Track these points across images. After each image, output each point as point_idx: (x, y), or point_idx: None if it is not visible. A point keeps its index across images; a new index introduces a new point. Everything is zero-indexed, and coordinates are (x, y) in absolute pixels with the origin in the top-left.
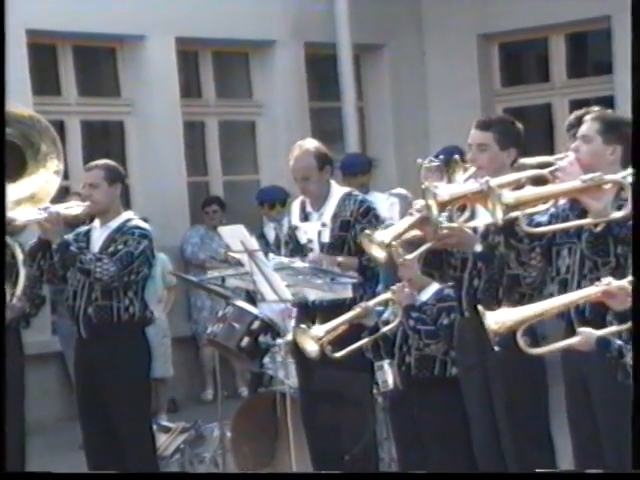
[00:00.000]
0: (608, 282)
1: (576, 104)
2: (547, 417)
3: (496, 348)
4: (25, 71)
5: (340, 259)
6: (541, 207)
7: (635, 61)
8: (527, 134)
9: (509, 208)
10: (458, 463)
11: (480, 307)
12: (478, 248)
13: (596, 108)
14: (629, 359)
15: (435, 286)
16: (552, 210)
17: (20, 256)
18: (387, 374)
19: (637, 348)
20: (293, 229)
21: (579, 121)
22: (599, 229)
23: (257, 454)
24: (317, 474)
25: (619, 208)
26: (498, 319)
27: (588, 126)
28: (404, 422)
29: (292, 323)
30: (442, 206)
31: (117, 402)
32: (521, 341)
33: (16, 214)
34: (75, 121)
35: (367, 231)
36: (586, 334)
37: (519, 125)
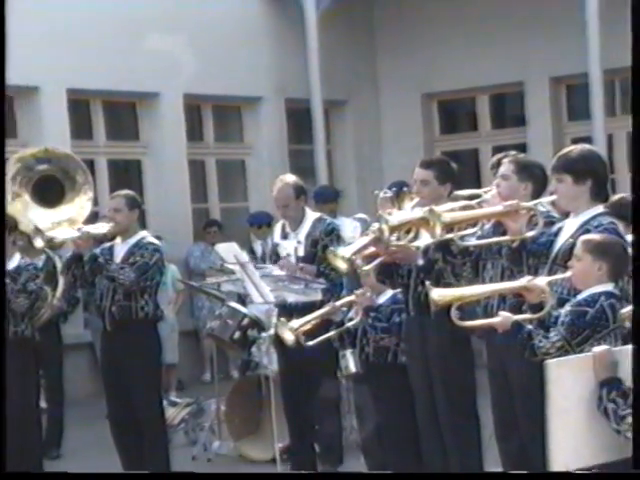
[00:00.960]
0: (528, 279)
1: (497, 149)
2: (474, 396)
3: (432, 317)
4: (65, 120)
5: (301, 265)
6: (471, 230)
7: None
8: (460, 172)
9: (447, 226)
10: (405, 431)
11: (427, 283)
12: (420, 262)
13: (512, 152)
14: (537, 341)
15: (390, 292)
16: (479, 233)
17: (59, 268)
18: (349, 361)
19: (637, 350)
20: (275, 246)
21: (499, 162)
22: (515, 245)
23: (246, 424)
24: (316, 474)
25: (531, 229)
26: (441, 293)
27: (506, 167)
28: (363, 399)
29: (274, 320)
30: (392, 230)
31: (135, 382)
32: (454, 314)
33: (56, 233)
34: (103, 160)
35: (331, 248)
36: (505, 317)
37: (454, 165)
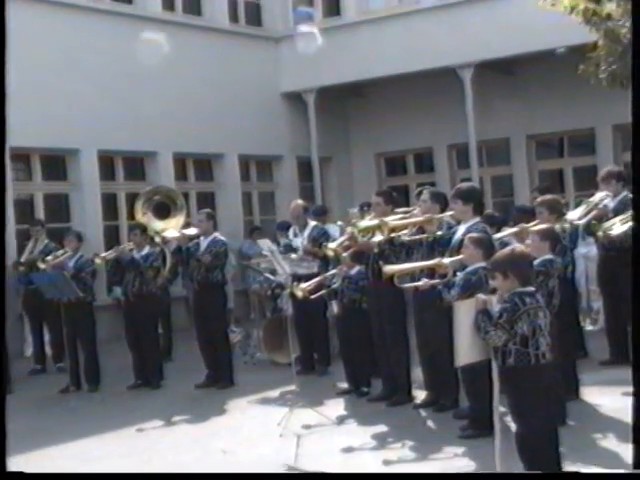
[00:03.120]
0: (439, 260)
1: (419, 185)
2: (405, 326)
3: (384, 282)
4: (171, 171)
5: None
6: (405, 231)
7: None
8: (397, 198)
9: (391, 230)
10: (366, 346)
11: (381, 262)
12: (375, 250)
13: (427, 187)
14: (444, 295)
15: (358, 267)
16: (410, 233)
17: (168, 254)
18: (333, 307)
19: (637, 351)
20: (289, 242)
21: (420, 193)
22: (430, 240)
23: (274, 343)
24: (318, 474)
25: (440, 230)
26: (390, 267)
27: (424, 195)
28: (343, 331)
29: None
30: (360, 232)
31: (212, 318)
32: (396, 280)
33: (167, 234)
34: (193, 193)
35: (324, 244)
36: (425, 282)
37: (395, 194)
